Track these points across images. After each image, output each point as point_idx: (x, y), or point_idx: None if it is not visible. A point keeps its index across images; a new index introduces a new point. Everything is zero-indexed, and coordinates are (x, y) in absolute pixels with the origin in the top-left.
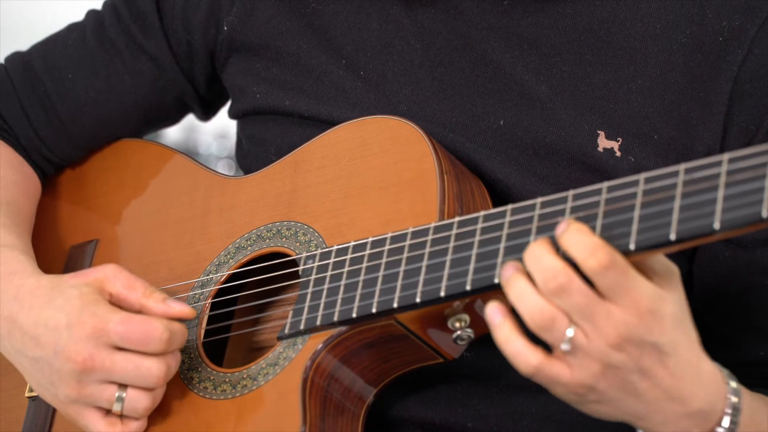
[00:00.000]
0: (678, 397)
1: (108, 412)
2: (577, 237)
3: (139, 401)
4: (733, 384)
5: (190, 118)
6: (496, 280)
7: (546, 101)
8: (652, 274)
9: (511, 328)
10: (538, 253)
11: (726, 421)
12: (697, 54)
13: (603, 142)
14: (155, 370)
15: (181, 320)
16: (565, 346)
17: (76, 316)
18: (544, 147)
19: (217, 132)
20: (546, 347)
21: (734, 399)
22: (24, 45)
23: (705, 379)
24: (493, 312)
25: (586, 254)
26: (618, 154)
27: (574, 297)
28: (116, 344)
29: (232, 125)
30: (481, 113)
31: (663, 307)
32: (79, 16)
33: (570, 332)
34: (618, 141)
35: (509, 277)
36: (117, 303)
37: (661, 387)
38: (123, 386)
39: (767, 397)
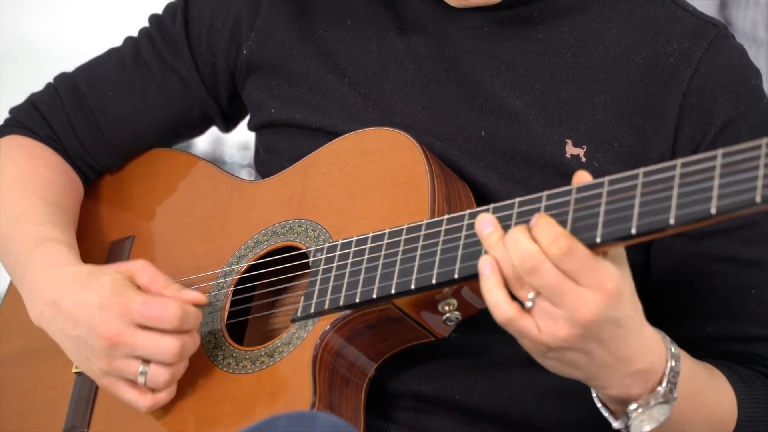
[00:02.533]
0: (624, 360)
1: (137, 383)
2: (543, 227)
3: (160, 375)
4: (673, 349)
5: (218, 133)
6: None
7: (521, 114)
8: (606, 257)
9: (496, 280)
10: (515, 236)
11: (665, 380)
12: (651, 73)
13: (570, 150)
14: (171, 346)
15: (198, 306)
16: (528, 303)
17: (107, 297)
18: (520, 154)
19: (240, 144)
20: None
21: (673, 362)
22: (25, 63)
23: (647, 344)
24: (485, 264)
25: (549, 242)
26: (583, 159)
27: (545, 276)
28: (139, 322)
29: (253, 138)
30: (465, 125)
31: (623, 285)
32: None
33: (531, 294)
34: (583, 148)
35: (489, 234)
36: (143, 291)
37: (611, 353)
38: (147, 362)
39: (712, 366)
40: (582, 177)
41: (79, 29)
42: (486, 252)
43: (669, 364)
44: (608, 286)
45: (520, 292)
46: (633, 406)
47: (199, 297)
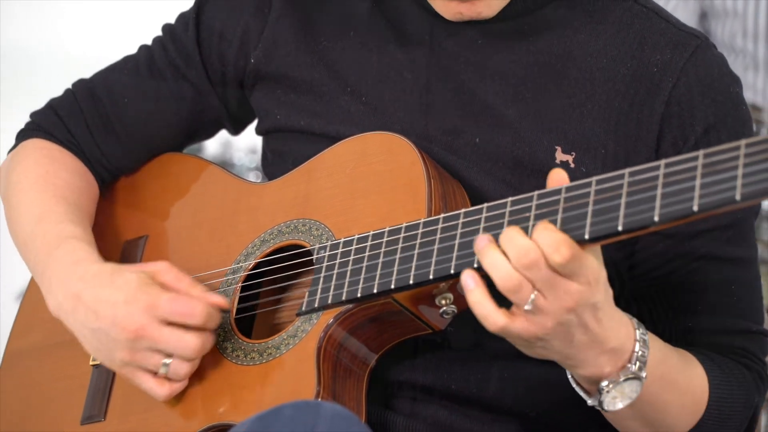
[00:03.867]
0: (599, 340)
1: (155, 373)
2: (544, 233)
3: (181, 368)
4: (641, 330)
5: (227, 137)
6: (475, 265)
7: (513, 122)
8: (584, 247)
9: (482, 293)
10: (512, 234)
11: (634, 358)
12: (636, 82)
13: (560, 156)
14: (193, 343)
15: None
16: (528, 307)
17: (133, 294)
18: (512, 160)
19: (248, 147)
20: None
21: (641, 342)
22: (24, 71)
23: (617, 324)
24: (468, 278)
25: (552, 249)
26: (572, 165)
27: (542, 271)
28: (164, 318)
29: (260, 142)
30: (461, 132)
31: (600, 274)
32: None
33: (533, 296)
34: (572, 155)
35: (483, 247)
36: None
37: (589, 334)
38: (168, 355)
39: (687, 352)
40: (557, 175)
41: (78, 33)
42: (476, 265)
43: (637, 343)
44: (591, 277)
45: (516, 296)
46: (605, 383)
47: (223, 301)
